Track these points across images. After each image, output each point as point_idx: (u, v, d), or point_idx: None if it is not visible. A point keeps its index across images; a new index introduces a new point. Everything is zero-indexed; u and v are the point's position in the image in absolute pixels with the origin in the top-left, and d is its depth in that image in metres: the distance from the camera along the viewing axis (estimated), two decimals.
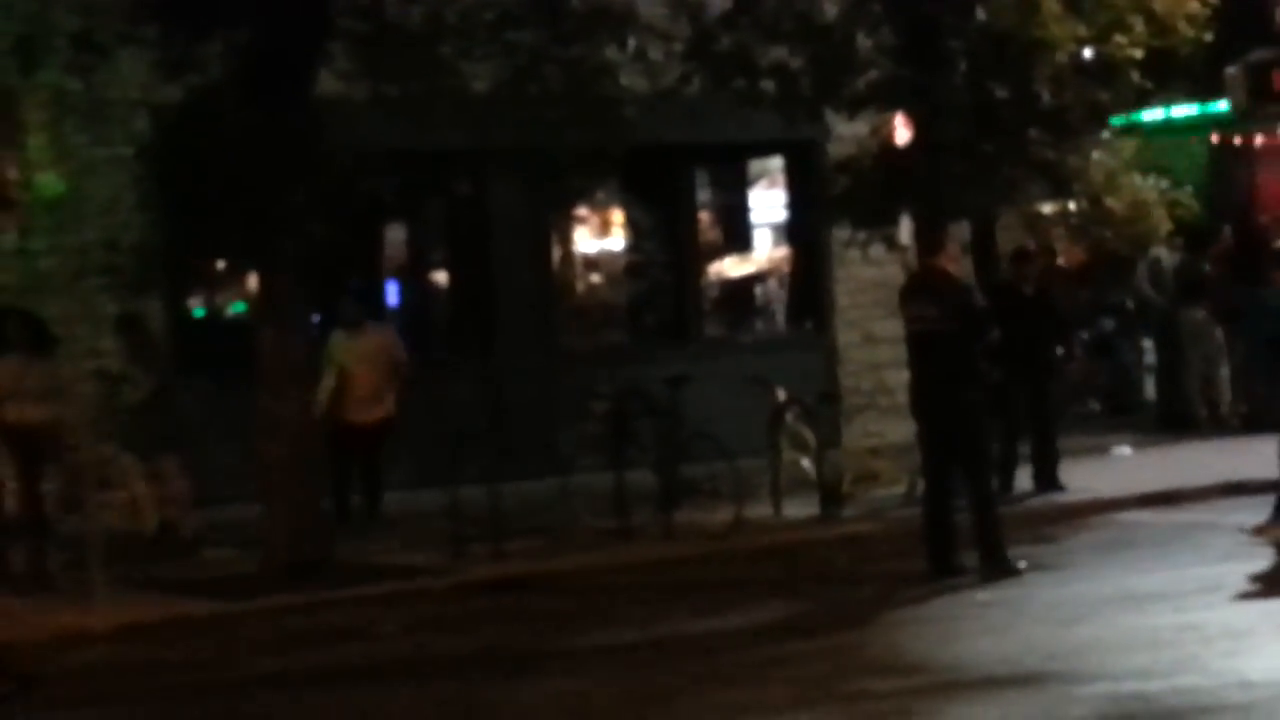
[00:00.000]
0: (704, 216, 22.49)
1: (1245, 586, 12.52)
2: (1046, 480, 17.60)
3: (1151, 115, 22.24)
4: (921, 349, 14.11)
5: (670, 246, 21.86)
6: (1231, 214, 24.38)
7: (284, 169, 14.77)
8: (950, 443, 14.00)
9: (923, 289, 14.27)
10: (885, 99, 17.93)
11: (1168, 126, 23.25)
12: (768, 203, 22.85)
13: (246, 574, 15.01)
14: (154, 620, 13.68)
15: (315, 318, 17.10)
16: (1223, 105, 23.04)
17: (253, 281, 15.99)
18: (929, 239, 14.83)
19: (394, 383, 17.37)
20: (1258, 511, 15.73)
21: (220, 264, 18.92)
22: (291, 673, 11.85)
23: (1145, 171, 22.49)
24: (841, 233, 19.42)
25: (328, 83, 15.71)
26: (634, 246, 21.99)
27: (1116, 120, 19.81)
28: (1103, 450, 19.92)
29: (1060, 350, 17.57)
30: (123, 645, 13.06)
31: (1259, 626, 11.15)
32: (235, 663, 12.40)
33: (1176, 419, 21.63)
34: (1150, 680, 9.93)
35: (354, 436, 17.10)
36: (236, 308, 19.55)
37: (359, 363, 17.26)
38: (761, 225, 22.86)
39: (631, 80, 17.43)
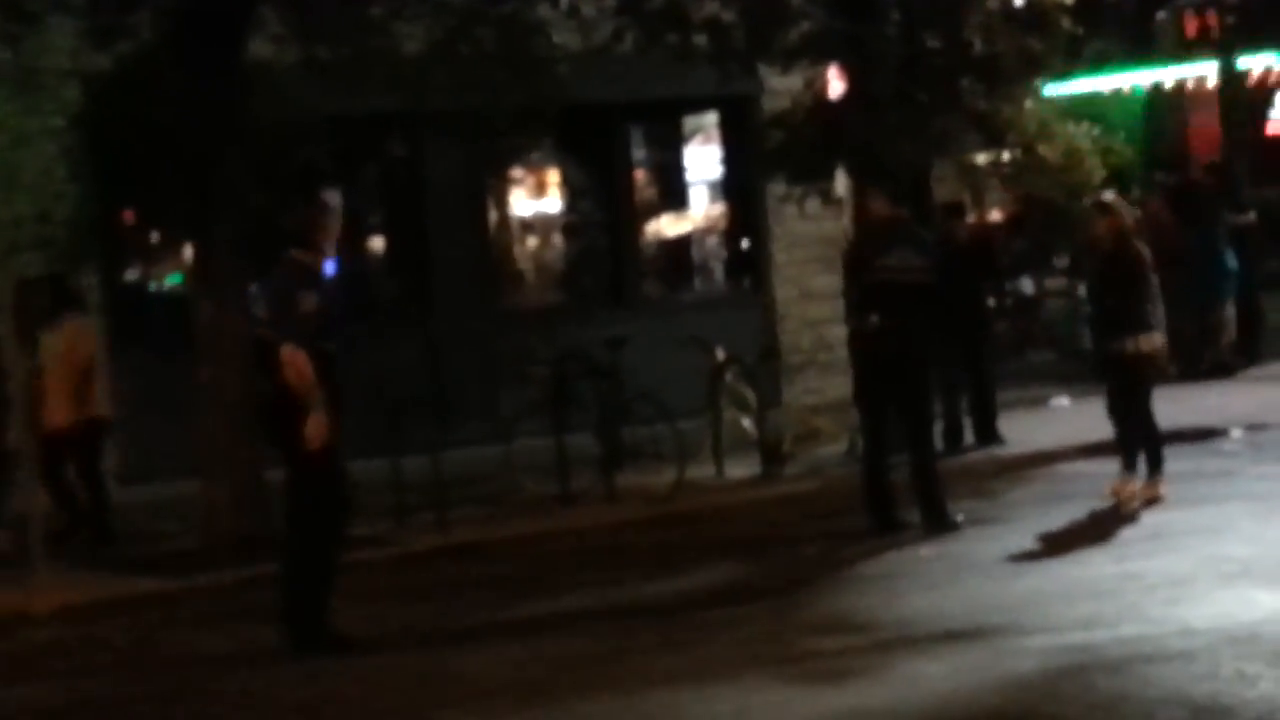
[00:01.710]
0: (639, 175, 22.45)
1: (1185, 535, 12.59)
2: (986, 433, 17.67)
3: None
4: (897, 298, 13.76)
5: (606, 206, 21.82)
6: (1169, 160, 24.51)
7: (217, 136, 14.68)
8: (895, 397, 13.91)
9: (904, 239, 14.04)
10: (818, 51, 17.92)
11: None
12: (703, 159, 22.82)
13: (188, 550, 14.93)
14: (96, 600, 13.61)
15: (252, 288, 16.99)
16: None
17: (189, 252, 15.87)
18: (893, 188, 14.64)
19: (94, 381, 15.82)
20: (1195, 459, 15.87)
21: (156, 235, 18.81)
22: (237, 648, 11.81)
23: (1078, 119, 22.54)
24: (777, 188, 19.42)
25: (259, 47, 15.60)
26: (570, 207, 21.95)
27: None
28: (1041, 402, 20.01)
29: (993, 303, 17.62)
30: (65, 626, 13.00)
31: (1199, 574, 11.22)
32: (181, 640, 12.35)
33: None
34: (1093, 630, 10.00)
35: (59, 443, 15.58)
36: (173, 279, 19.42)
37: (54, 360, 15.67)
38: (697, 182, 22.83)
39: (564, 38, 17.39)
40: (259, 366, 11.44)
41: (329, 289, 11.49)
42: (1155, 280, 14.35)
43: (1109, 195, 15.57)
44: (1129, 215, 14.78)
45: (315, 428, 10.99)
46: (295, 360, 10.95)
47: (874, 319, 13.69)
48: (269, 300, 11.61)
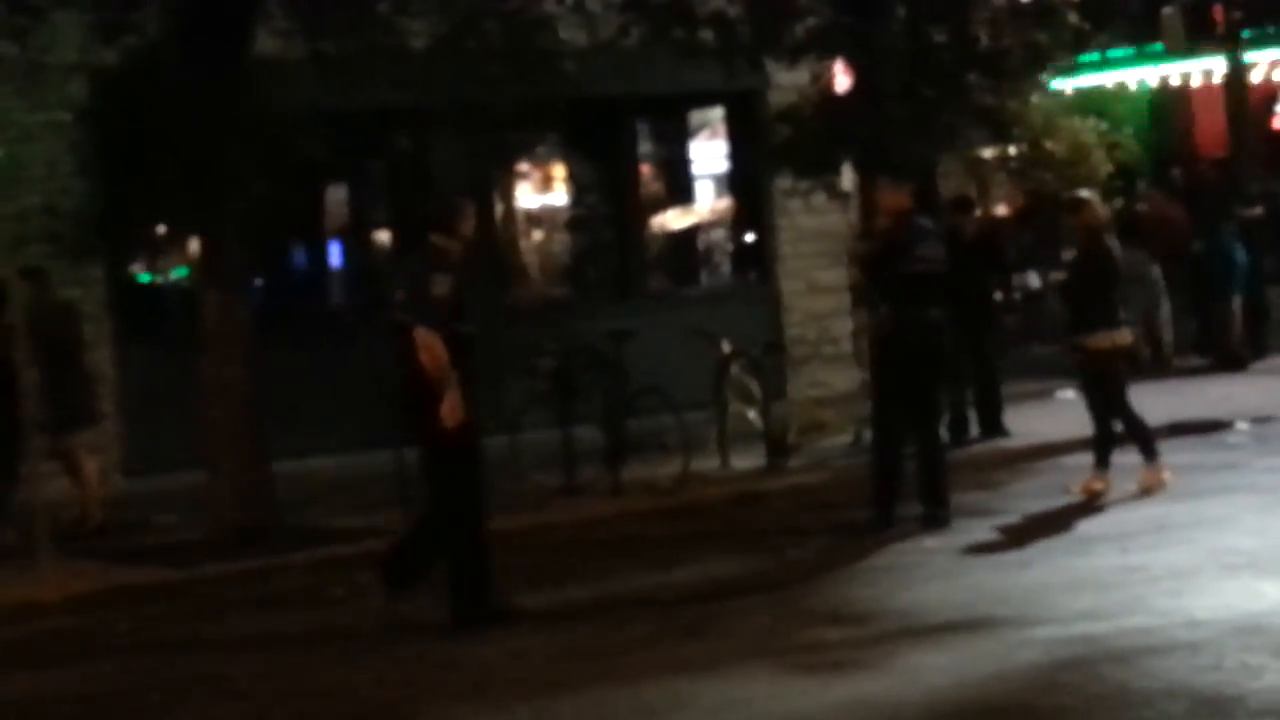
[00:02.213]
0: (645, 169, 22.44)
1: (1189, 527, 12.59)
2: (991, 426, 17.68)
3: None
4: (930, 289, 13.73)
5: (612, 200, 21.82)
6: (1176, 155, 24.52)
7: (223, 129, 14.69)
8: (913, 388, 13.84)
9: (931, 232, 14.11)
10: (825, 46, 17.93)
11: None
12: (709, 154, 22.82)
13: (194, 541, 14.96)
14: (103, 589, 13.65)
15: (257, 281, 17.03)
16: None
17: (195, 246, 15.89)
18: (914, 182, 14.65)
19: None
20: (1200, 452, 15.88)
21: (162, 228, 18.82)
22: (241, 639, 11.84)
23: (1084, 114, 22.54)
24: (783, 182, 19.43)
25: (265, 42, 15.61)
26: (576, 201, 21.94)
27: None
28: (1046, 395, 20.01)
29: (999, 296, 17.63)
30: (73, 615, 13.03)
31: (1204, 566, 11.23)
32: (186, 630, 12.37)
33: None
34: (1098, 622, 10.00)
35: None
36: (179, 272, 19.45)
37: None
38: (703, 177, 22.83)
39: (570, 33, 17.37)
40: (394, 350, 11.52)
41: (463, 273, 11.71)
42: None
43: (1084, 192, 15.67)
44: (1102, 212, 14.89)
45: (450, 408, 11.24)
46: (429, 343, 11.19)
47: (908, 311, 13.64)
48: (405, 284, 11.74)
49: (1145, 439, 14.53)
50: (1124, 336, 14.66)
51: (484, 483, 11.85)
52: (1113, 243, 14.73)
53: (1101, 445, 14.58)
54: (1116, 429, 14.61)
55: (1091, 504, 14.06)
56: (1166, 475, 14.31)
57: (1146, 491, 14.15)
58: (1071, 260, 15.03)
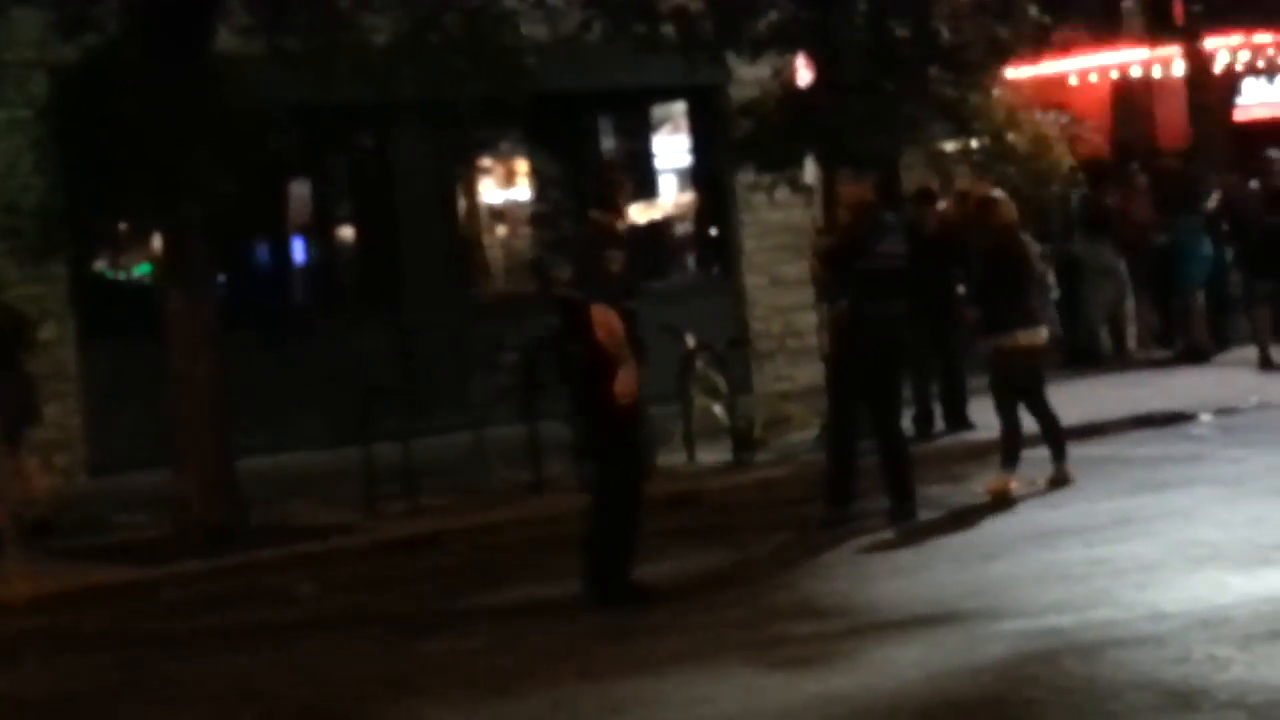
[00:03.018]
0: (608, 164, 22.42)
1: (1155, 519, 12.63)
2: (956, 419, 17.71)
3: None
4: (892, 284, 13.71)
5: (575, 195, 21.80)
6: (1138, 147, 24.58)
7: (185, 126, 14.64)
8: (874, 383, 13.81)
9: (892, 225, 14.14)
10: (786, 41, 17.93)
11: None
12: (671, 148, 22.83)
13: (160, 539, 14.91)
14: (70, 589, 13.57)
15: (221, 277, 16.99)
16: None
17: (157, 243, 15.84)
18: (872, 177, 14.65)
19: None
20: (1165, 444, 15.92)
21: (124, 225, 18.75)
22: (210, 637, 11.81)
23: (1045, 107, 22.58)
24: (746, 177, 19.43)
25: (226, 39, 15.56)
26: (539, 196, 21.93)
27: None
28: None
29: (962, 289, 17.66)
30: (40, 615, 12.98)
31: (1169, 559, 11.26)
32: (154, 629, 12.35)
33: (1081, 353, 21.82)
34: (1065, 615, 10.03)
35: None
36: (141, 269, 19.38)
37: None
38: (666, 171, 22.84)
39: (532, 28, 17.33)
40: (564, 326, 11.71)
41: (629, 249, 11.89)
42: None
43: (996, 191, 15.76)
44: (1012, 210, 14.93)
45: (626, 383, 11.33)
46: (607, 319, 11.34)
47: (868, 306, 13.65)
48: (577, 261, 11.93)
49: (1058, 439, 14.62)
50: (1039, 335, 14.62)
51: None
52: (1029, 240, 14.78)
53: (1009, 444, 14.58)
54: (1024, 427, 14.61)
55: (1006, 503, 14.03)
56: (1071, 472, 14.39)
57: (1054, 488, 14.25)
58: (982, 259, 14.99)
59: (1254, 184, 21.75)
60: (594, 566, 11.55)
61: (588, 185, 21.51)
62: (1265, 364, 20.40)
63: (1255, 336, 20.89)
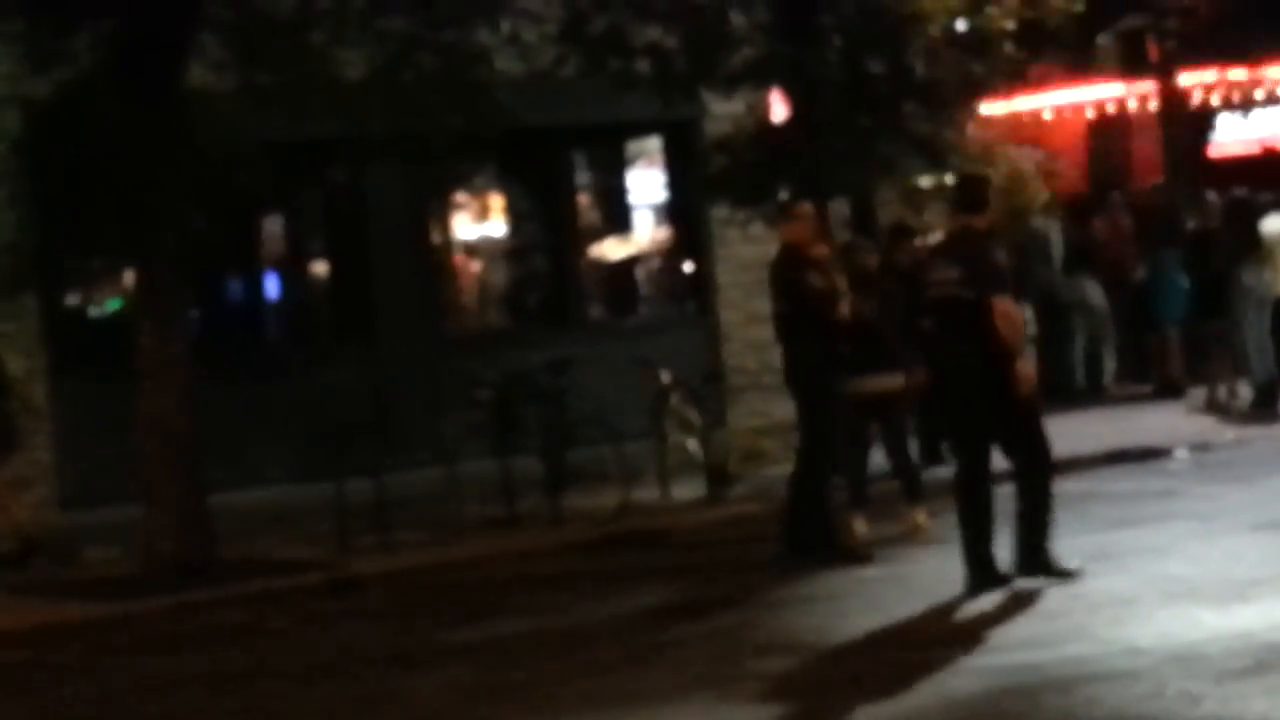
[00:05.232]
0: (583, 199, 22.39)
1: (1130, 554, 12.61)
2: (930, 454, 17.66)
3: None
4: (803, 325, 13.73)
5: (550, 230, 21.76)
6: (1114, 183, 24.61)
7: (158, 161, 14.61)
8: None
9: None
10: (761, 76, 17.96)
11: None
12: (646, 183, 22.78)
13: (130, 575, 14.83)
14: (35, 625, 13.50)
15: (193, 312, 16.92)
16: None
17: (130, 278, 15.79)
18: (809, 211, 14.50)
19: None
20: (1140, 479, 15.91)
21: (96, 260, 18.68)
22: (178, 674, 11.72)
23: (1020, 143, 22.61)
24: (721, 212, 19.42)
25: (199, 74, 15.53)
26: (514, 231, 21.88)
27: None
28: None
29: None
30: (9, 650, 12.89)
31: (1144, 594, 11.25)
32: (121, 667, 12.24)
33: (1057, 389, 21.78)
34: (1039, 650, 10.02)
35: None
36: (114, 304, 19.31)
37: None
38: (641, 206, 22.77)
39: (506, 64, 17.33)
40: (949, 328, 12.08)
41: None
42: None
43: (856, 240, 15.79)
44: (873, 258, 14.98)
45: (1025, 373, 11.88)
46: (1008, 311, 11.86)
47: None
48: (970, 262, 12.06)
49: (914, 483, 14.66)
50: (893, 381, 14.47)
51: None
52: (891, 284, 14.81)
53: (908, 482, 14.66)
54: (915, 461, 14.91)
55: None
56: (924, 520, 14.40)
57: (913, 534, 14.28)
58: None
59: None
60: (1023, 544, 12.03)
61: (561, 219, 21.65)
62: (1211, 405, 20.28)
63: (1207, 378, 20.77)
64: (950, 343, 12.12)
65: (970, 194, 12.57)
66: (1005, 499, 12.25)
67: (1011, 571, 11.99)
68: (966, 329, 11.90)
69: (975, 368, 11.91)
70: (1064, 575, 11.90)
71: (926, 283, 12.47)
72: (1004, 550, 12.11)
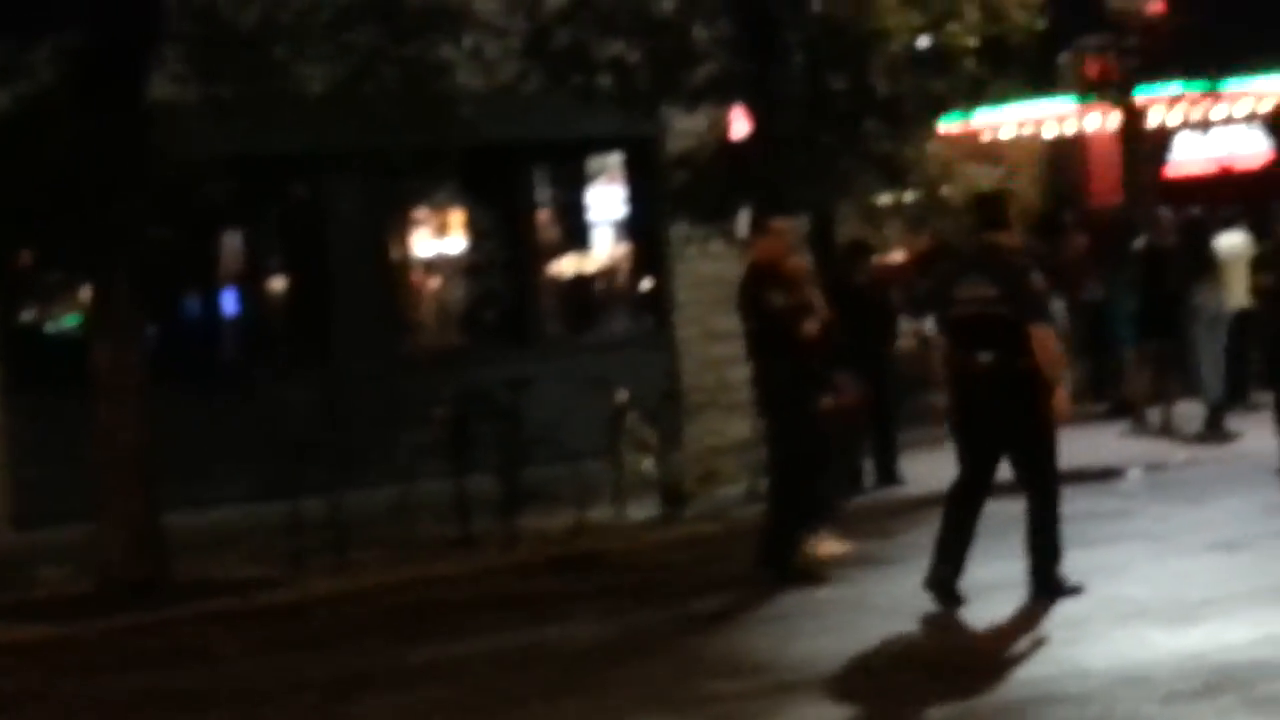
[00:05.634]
0: (543, 215, 22.39)
1: (1082, 574, 12.60)
2: (886, 474, 17.69)
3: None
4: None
5: (509, 246, 21.76)
6: (1073, 203, 24.67)
7: (116, 175, 14.55)
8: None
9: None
10: (723, 92, 17.98)
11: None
12: (607, 200, 22.79)
13: (81, 595, 14.73)
14: None
15: (150, 329, 16.84)
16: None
17: (86, 293, 15.72)
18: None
19: None
20: (1093, 499, 15.93)
21: (54, 275, 18.61)
22: (127, 697, 11.64)
23: (980, 160, 22.64)
24: (681, 228, 19.42)
25: (161, 87, 15.48)
26: (473, 247, 21.86)
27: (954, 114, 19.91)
28: (941, 442, 19.96)
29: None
30: None
31: (1096, 615, 11.26)
32: (69, 689, 12.13)
33: None
34: (992, 672, 10.04)
35: None
36: (70, 320, 19.24)
37: None
38: (601, 223, 22.79)
39: (468, 79, 17.31)
40: (989, 342, 11.86)
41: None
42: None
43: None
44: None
45: (1062, 402, 11.80)
46: (1046, 339, 11.74)
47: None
48: (1007, 281, 11.90)
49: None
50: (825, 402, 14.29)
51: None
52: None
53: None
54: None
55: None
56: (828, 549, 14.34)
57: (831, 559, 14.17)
58: None
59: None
60: (1035, 564, 11.99)
61: (521, 235, 21.60)
62: (1164, 425, 20.25)
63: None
64: (980, 358, 11.89)
65: (990, 211, 12.41)
66: (989, 518, 12.22)
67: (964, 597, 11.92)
68: (999, 345, 11.79)
69: (1005, 384, 11.81)
70: (1075, 592, 11.90)
71: (951, 299, 12.25)
72: (979, 570, 12.12)
